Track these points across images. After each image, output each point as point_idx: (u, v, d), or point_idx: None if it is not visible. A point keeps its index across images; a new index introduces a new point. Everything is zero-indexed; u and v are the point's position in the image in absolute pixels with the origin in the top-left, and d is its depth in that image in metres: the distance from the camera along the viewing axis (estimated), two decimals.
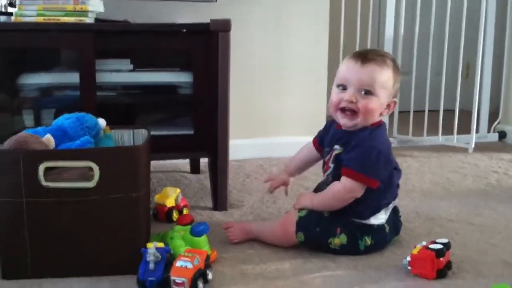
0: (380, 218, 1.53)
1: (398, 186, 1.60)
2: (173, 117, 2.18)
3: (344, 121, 1.52)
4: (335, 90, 1.54)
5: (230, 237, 1.61)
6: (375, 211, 1.52)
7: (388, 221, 1.55)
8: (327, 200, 1.52)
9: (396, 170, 1.58)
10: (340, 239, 1.50)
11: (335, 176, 1.53)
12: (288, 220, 1.54)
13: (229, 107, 1.86)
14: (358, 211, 1.50)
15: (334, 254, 1.51)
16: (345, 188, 1.48)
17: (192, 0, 2.39)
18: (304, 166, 1.75)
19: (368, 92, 1.48)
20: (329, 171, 1.57)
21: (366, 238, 1.50)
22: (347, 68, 1.52)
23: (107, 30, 1.87)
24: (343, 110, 1.51)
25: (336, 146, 1.55)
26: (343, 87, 1.51)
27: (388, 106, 1.53)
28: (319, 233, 1.50)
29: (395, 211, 1.61)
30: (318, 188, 1.61)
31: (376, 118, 1.52)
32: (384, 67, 1.50)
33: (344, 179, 1.48)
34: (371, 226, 1.51)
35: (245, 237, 1.61)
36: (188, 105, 2.02)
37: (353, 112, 1.49)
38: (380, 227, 1.53)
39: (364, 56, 1.50)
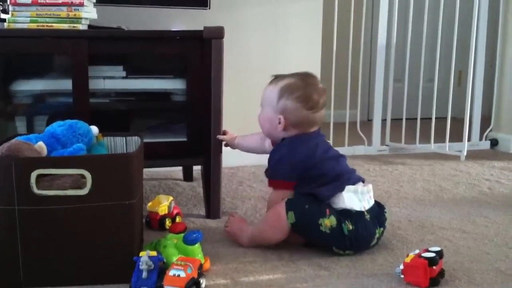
0: (353, 202, 1.57)
1: (351, 170, 1.67)
2: (166, 124, 2.18)
3: None
4: None
5: (225, 225, 1.70)
6: (333, 189, 1.58)
7: (369, 210, 1.59)
8: (263, 231, 1.62)
9: (339, 157, 1.67)
10: (330, 220, 1.54)
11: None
12: (279, 205, 1.58)
13: (222, 113, 1.86)
14: (318, 193, 1.58)
15: (323, 242, 1.55)
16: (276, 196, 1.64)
17: (185, 7, 2.39)
18: (249, 150, 1.92)
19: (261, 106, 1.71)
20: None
21: (347, 222, 1.54)
22: None
23: (100, 37, 1.86)
24: None
25: None
26: None
27: (279, 121, 1.64)
28: (309, 211, 1.55)
29: (380, 207, 1.66)
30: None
31: (276, 132, 1.67)
32: (272, 84, 1.68)
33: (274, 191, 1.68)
34: (350, 211, 1.56)
35: (237, 233, 1.65)
36: (181, 112, 2.02)
37: None
38: (359, 212, 1.57)
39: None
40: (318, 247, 1.59)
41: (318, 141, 1.66)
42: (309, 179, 1.61)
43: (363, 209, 1.58)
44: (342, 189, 1.57)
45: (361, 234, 1.56)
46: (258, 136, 1.82)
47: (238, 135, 1.89)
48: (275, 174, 1.67)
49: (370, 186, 1.65)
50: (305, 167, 1.61)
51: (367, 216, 1.58)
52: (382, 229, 1.62)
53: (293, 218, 1.54)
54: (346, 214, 1.56)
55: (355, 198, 1.58)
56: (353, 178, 1.63)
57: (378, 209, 1.64)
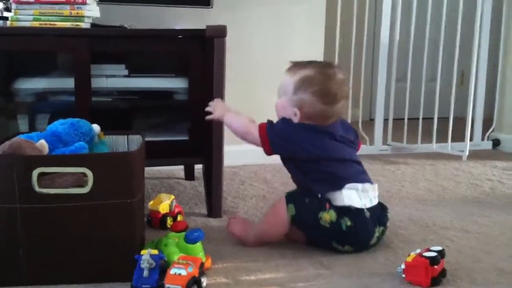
0: (353, 199, 1.56)
1: (359, 163, 1.65)
2: (168, 123, 2.18)
3: None
4: None
5: (228, 224, 1.68)
6: (330, 186, 1.56)
7: (370, 209, 1.58)
8: (235, 123, 1.68)
9: (339, 160, 1.61)
10: (329, 214, 1.54)
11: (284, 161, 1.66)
12: (279, 200, 1.60)
13: None
14: (312, 186, 1.58)
15: (323, 236, 1.55)
16: (253, 130, 1.62)
17: (188, 6, 2.39)
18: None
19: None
20: None
21: (346, 218, 1.54)
22: None
23: (103, 35, 1.87)
24: None
25: None
26: None
27: (295, 113, 1.60)
28: (309, 205, 1.56)
29: (383, 207, 1.65)
30: None
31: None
32: (288, 75, 1.63)
33: (259, 125, 1.63)
34: (349, 207, 1.55)
35: (239, 233, 1.64)
36: (183, 111, 2.02)
37: None
38: (359, 210, 1.56)
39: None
40: (320, 246, 1.59)
41: (325, 137, 1.61)
42: (303, 169, 1.61)
43: (363, 207, 1.57)
44: (339, 188, 1.56)
45: (360, 231, 1.55)
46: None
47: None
48: (269, 129, 1.61)
49: (376, 186, 1.64)
50: (293, 152, 1.60)
51: (367, 214, 1.57)
52: (382, 228, 1.62)
53: (293, 210, 1.55)
54: (345, 210, 1.55)
55: (356, 195, 1.57)
56: (358, 180, 1.60)
57: (380, 210, 1.63)
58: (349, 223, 1.54)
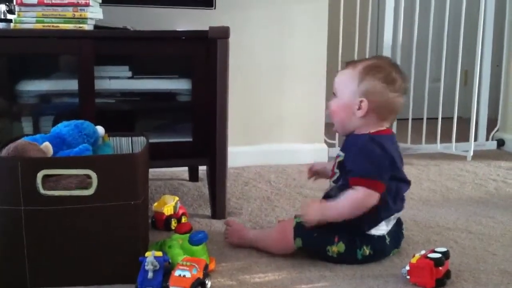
0: (381, 229, 1.52)
1: (403, 199, 1.58)
2: (172, 124, 2.18)
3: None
4: None
5: (225, 236, 1.65)
6: (374, 224, 1.50)
7: (389, 232, 1.54)
8: (345, 208, 1.46)
9: (404, 182, 1.56)
10: (338, 247, 1.49)
11: (340, 183, 1.53)
12: (286, 227, 1.54)
13: (227, 114, 1.86)
14: (356, 223, 1.48)
15: (332, 262, 1.50)
16: (363, 195, 1.45)
17: (191, 7, 2.39)
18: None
19: (334, 94, 1.55)
20: (334, 177, 1.57)
21: (365, 247, 1.49)
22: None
23: (106, 37, 1.87)
24: None
25: (340, 153, 1.57)
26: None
27: (359, 106, 1.50)
28: (317, 239, 1.50)
29: (398, 223, 1.60)
30: (328, 195, 1.58)
31: (353, 120, 1.52)
32: (350, 68, 1.53)
33: (357, 188, 1.45)
34: (372, 236, 1.51)
35: (240, 242, 1.62)
36: (187, 112, 2.02)
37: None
38: (381, 238, 1.52)
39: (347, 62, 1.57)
40: None
41: (394, 153, 1.51)
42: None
43: (385, 233, 1.53)
44: (379, 223, 1.50)
45: (377, 258, 1.52)
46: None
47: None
48: (373, 175, 1.45)
49: None
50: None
51: (387, 240, 1.53)
52: (397, 250, 1.59)
53: (300, 243, 1.51)
54: (366, 239, 1.50)
55: (385, 224, 1.53)
56: (400, 208, 1.55)
57: (396, 227, 1.58)
58: (367, 252, 1.49)
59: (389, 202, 1.50)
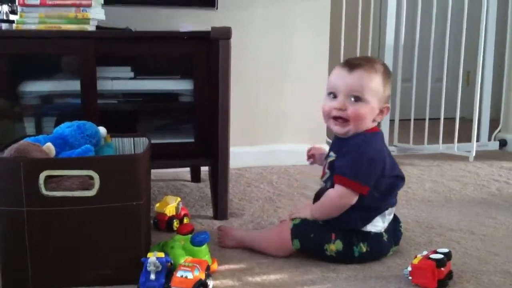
0: (377, 226, 1.52)
1: (395, 194, 1.59)
2: (174, 125, 2.18)
3: (336, 128, 1.54)
4: (326, 98, 1.56)
5: (218, 240, 1.64)
6: (366, 220, 1.51)
7: (387, 230, 1.55)
8: (325, 208, 1.53)
9: (398, 178, 1.58)
10: (335, 245, 1.50)
11: (330, 184, 1.54)
12: (283, 228, 1.55)
13: (229, 114, 1.86)
14: (349, 220, 1.50)
15: (330, 262, 1.51)
16: (339, 195, 1.49)
17: (193, 8, 2.39)
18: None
19: (358, 99, 1.49)
20: (325, 177, 1.58)
21: (361, 245, 1.50)
22: (336, 76, 1.54)
23: (108, 38, 1.87)
24: (335, 118, 1.53)
25: (331, 153, 1.57)
26: (334, 95, 1.53)
27: (381, 111, 1.53)
28: (314, 239, 1.51)
29: (395, 221, 1.61)
30: (317, 196, 1.61)
31: (369, 124, 1.52)
32: (372, 72, 1.50)
33: (336, 186, 1.49)
34: (368, 233, 1.51)
35: (232, 243, 1.62)
36: (189, 113, 2.02)
37: (344, 120, 1.51)
38: (378, 234, 1.52)
39: (352, 63, 1.51)
40: None
41: (385, 153, 1.54)
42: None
43: (382, 230, 1.53)
44: (375, 216, 1.52)
45: (374, 256, 1.53)
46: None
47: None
48: (360, 177, 1.47)
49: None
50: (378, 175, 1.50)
51: (385, 237, 1.54)
52: (396, 247, 1.59)
53: (298, 244, 1.52)
54: (362, 236, 1.51)
55: (380, 220, 1.53)
56: (392, 204, 1.56)
57: (394, 225, 1.59)
58: (364, 249, 1.50)
59: (378, 198, 1.51)
